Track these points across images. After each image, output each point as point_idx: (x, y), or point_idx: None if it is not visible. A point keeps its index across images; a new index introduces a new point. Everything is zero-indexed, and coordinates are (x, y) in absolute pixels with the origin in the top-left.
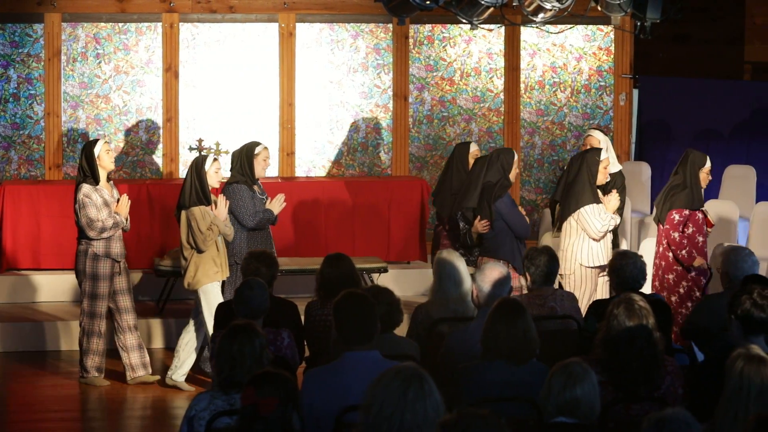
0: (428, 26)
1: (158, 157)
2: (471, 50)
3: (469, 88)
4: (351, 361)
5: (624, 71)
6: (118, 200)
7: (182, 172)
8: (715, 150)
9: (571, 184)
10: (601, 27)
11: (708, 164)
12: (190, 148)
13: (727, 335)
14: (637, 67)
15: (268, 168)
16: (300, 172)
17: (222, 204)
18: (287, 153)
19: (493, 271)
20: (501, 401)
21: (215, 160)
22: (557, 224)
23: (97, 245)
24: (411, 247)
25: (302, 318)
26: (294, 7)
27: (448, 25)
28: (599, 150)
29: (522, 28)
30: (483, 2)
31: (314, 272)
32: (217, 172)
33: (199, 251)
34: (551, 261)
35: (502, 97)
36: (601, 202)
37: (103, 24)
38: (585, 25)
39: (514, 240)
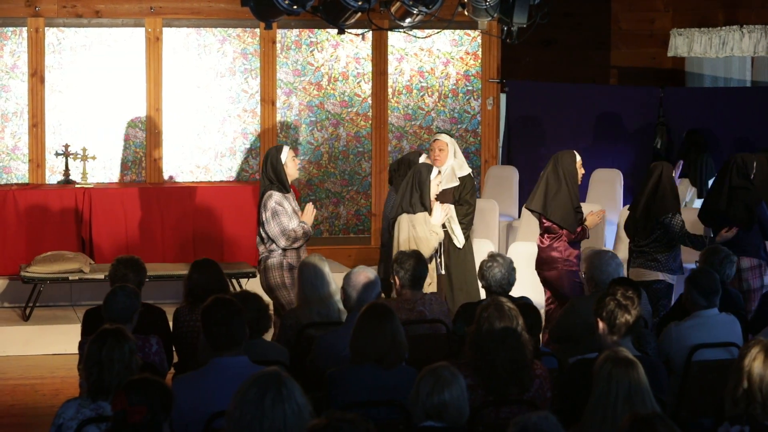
0: (296, 31)
1: (24, 163)
2: (339, 55)
3: (336, 93)
4: (219, 367)
5: (491, 76)
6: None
7: (48, 177)
8: (582, 154)
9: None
10: (469, 32)
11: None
12: (57, 154)
13: (595, 338)
14: (505, 71)
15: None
16: (167, 177)
17: (438, 211)
18: (154, 158)
19: (360, 276)
20: (370, 405)
21: (439, 173)
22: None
23: (290, 255)
24: None
25: (170, 324)
26: (160, 11)
27: (316, 30)
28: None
29: (389, 33)
30: (350, 7)
31: (182, 278)
32: (439, 185)
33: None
34: (419, 265)
35: (370, 101)
36: None
37: None
38: (452, 30)
39: (763, 241)
